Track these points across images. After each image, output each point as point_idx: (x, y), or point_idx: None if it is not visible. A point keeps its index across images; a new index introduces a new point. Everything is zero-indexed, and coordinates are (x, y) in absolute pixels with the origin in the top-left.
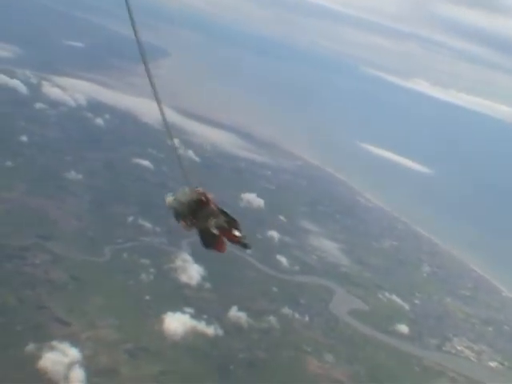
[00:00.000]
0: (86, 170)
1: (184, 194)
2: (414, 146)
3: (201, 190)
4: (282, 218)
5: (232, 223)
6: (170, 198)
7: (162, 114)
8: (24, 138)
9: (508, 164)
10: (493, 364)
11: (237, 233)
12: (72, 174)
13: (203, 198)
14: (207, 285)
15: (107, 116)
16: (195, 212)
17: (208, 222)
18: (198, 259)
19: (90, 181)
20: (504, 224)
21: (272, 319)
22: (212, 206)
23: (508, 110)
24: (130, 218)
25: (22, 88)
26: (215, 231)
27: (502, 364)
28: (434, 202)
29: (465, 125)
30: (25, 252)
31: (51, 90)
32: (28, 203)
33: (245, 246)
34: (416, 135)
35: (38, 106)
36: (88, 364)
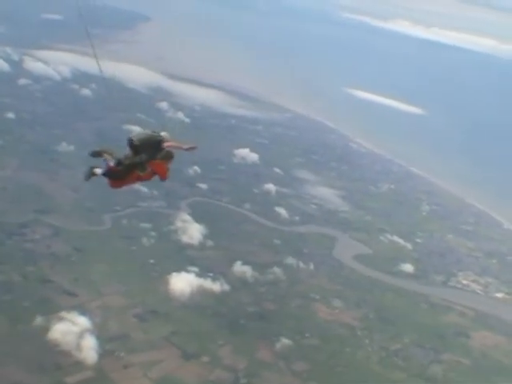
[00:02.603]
0: (76, 140)
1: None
2: (403, 87)
3: (170, 144)
4: (277, 170)
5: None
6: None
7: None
8: (11, 115)
9: (497, 97)
10: (500, 295)
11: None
12: (63, 146)
13: (166, 145)
14: (209, 242)
15: (93, 85)
16: (147, 147)
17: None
18: (197, 218)
19: (81, 151)
20: (497, 157)
21: (277, 270)
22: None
23: (493, 43)
24: None
25: (4, 65)
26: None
27: (510, 294)
28: (427, 141)
29: (451, 62)
30: (24, 228)
31: (34, 65)
32: (22, 179)
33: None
34: (403, 77)
35: (22, 81)
36: (99, 332)
